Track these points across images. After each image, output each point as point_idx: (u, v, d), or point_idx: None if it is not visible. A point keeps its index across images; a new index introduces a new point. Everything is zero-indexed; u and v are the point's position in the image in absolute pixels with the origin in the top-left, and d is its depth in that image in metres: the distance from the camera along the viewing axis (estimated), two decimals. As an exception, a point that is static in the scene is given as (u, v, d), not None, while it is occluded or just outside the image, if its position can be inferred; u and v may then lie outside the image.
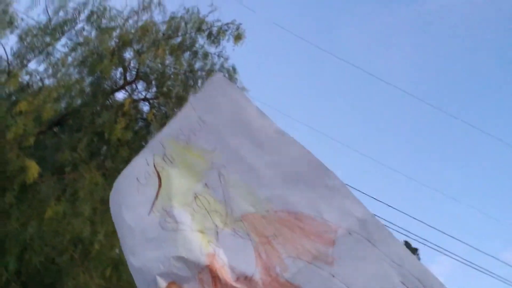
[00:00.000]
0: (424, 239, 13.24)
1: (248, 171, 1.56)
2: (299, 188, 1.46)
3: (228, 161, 1.64)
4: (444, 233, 16.70)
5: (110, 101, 9.90)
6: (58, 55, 8.47)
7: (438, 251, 11.53)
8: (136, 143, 9.78)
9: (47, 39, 8.26)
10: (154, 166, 1.81)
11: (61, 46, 8.62)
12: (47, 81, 8.45)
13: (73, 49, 8.61)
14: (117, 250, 9.00)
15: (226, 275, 1.30)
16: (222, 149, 1.65)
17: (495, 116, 35.76)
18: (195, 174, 1.74)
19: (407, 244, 23.15)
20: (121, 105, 9.27)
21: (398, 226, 16.03)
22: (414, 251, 24.05)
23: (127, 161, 9.69)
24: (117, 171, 9.18)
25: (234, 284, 1.29)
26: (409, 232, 14.53)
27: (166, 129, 2.00)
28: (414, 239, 12.66)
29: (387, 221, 15.06)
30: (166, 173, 1.77)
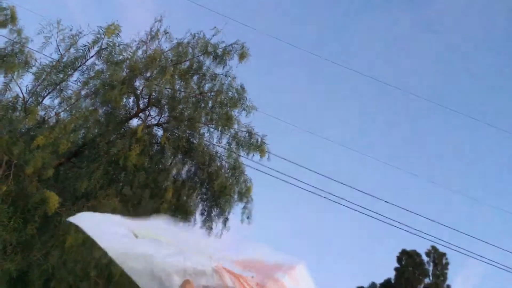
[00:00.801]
0: (451, 243, 12.94)
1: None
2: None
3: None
4: (469, 235, 16.24)
5: (125, 129, 10.24)
6: (71, 89, 8.84)
7: (464, 254, 11.29)
8: (152, 167, 10.07)
9: (60, 75, 8.66)
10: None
11: (74, 81, 9.02)
12: (62, 115, 8.82)
13: (86, 83, 8.98)
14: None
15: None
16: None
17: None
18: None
19: (434, 249, 22.63)
20: (134, 132, 9.57)
21: (425, 233, 15.75)
22: (442, 255, 23.46)
23: (143, 186, 9.85)
24: (135, 196, 9.49)
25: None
26: (436, 238, 14.25)
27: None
28: (442, 244, 12.43)
29: (414, 229, 14.79)
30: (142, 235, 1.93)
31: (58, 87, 8.60)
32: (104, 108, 9.85)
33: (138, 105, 10.34)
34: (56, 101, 8.86)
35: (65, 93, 8.67)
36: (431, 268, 22.52)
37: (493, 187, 33.58)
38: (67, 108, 8.71)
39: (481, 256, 13.04)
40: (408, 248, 22.92)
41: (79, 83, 8.99)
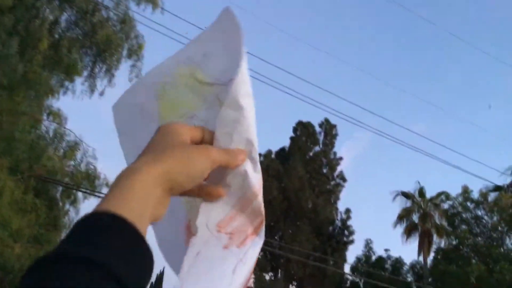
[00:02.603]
0: (342, 113, 13.49)
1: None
2: None
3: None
4: (360, 106, 17.24)
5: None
6: None
7: (354, 124, 11.89)
8: (22, 11, 8.69)
9: None
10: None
11: None
12: None
13: None
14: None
15: None
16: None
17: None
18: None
19: (326, 121, 24.08)
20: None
21: (318, 102, 16.28)
22: (333, 126, 25.11)
23: (11, 32, 8.59)
24: (1, 42, 8.24)
25: None
26: (328, 107, 14.77)
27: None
28: (333, 114, 12.91)
29: (307, 97, 15.12)
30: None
31: None
32: None
33: None
34: None
35: None
36: (321, 138, 24.17)
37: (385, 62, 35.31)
38: None
39: (365, 125, 13.87)
40: (305, 120, 24.19)
41: None
